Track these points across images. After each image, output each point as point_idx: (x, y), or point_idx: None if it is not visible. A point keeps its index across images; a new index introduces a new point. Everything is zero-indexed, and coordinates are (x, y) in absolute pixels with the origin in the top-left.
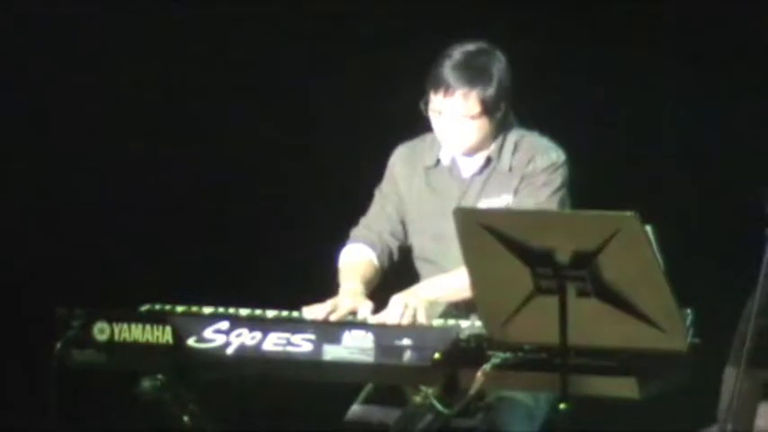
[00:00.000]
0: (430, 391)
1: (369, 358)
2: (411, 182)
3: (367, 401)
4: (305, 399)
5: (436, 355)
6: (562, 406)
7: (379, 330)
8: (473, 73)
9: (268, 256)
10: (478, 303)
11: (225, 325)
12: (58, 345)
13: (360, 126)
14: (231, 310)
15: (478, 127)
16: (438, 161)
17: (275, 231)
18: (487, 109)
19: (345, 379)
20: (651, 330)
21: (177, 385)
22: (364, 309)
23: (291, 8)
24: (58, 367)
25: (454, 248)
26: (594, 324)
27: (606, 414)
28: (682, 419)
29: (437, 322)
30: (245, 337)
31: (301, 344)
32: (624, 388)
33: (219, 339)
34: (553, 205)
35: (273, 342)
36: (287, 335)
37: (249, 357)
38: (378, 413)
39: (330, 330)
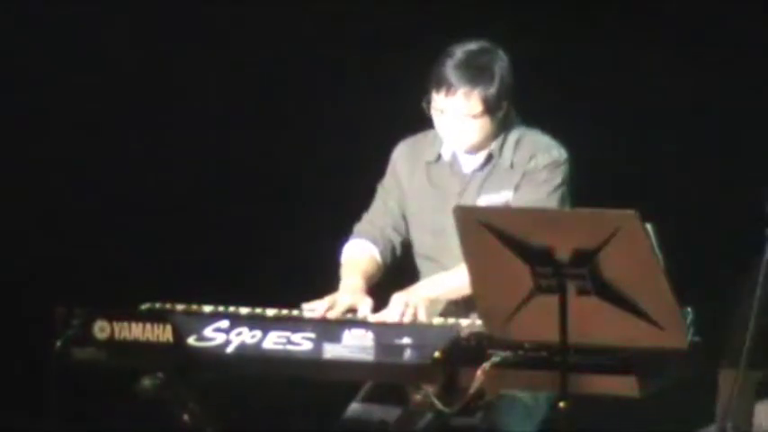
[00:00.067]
0: (430, 389)
1: (369, 357)
2: (412, 177)
3: (366, 400)
4: (305, 397)
5: (436, 354)
6: (562, 404)
7: (379, 329)
8: (475, 72)
9: (268, 255)
10: (478, 302)
11: (225, 323)
12: (58, 343)
13: (359, 126)
14: (231, 309)
15: (480, 126)
16: (439, 156)
17: (275, 231)
18: (489, 108)
19: (345, 377)
20: (651, 329)
21: (177, 384)
22: (363, 306)
23: (291, 8)
24: (58, 365)
25: (454, 244)
26: (595, 322)
27: (605, 413)
28: (681, 419)
29: (437, 321)
30: (245, 336)
31: (301, 342)
32: (624, 386)
33: (219, 338)
34: (553, 203)
35: (273, 341)
36: (287, 333)
37: (249, 356)
38: (377, 411)
39: (330, 329)
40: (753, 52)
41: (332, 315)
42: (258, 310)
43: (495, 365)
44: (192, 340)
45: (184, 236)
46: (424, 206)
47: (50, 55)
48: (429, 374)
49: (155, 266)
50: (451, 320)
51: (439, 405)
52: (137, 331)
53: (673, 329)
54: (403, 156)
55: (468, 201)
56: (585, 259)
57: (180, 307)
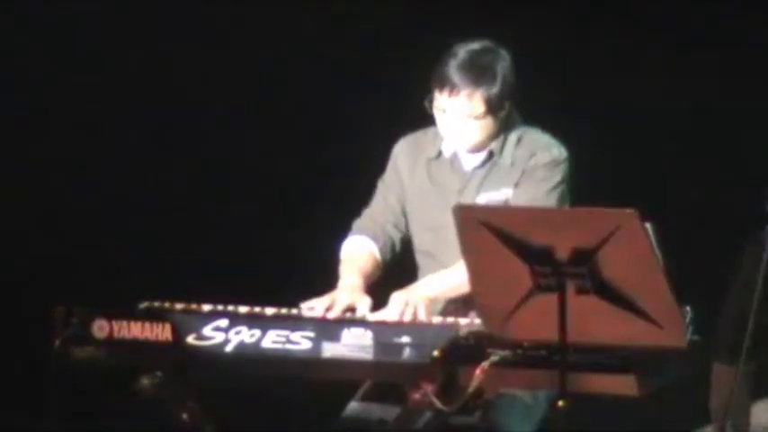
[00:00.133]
0: (429, 388)
1: (368, 356)
2: (413, 173)
3: (365, 398)
4: (304, 396)
5: (435, 353)
6: (561, 403)
7: (378, 328)
8: (478, 72)
9: (268, 255)
10: (477, 300)
11: (224, 322)
12: (57, 342)
13: (359, 126)
14: (230, 308)
15: (482, 126)
16: (440, 153)
17: (275, 231)
18: (492, 108)
19: (344, 376)
20: (650, 327)
21: (176, 382)
22: (362, 304)
23: (291, 8)
24: (57, 364)
25: (453, 241)
26: (594, 321)
27: (604, 413)
28: (680, 418)
29: (436, 319)
30: (244, 335)
31: (300, 341)
32: (623, 385)
33: (219, 337)
34: (552, 201)
35: (272, 339)
36: (286, 332)
37: (248, 355)
38: (376, 410)
39: (329, 328)
40: (753, 52)
41: (331, 314)
42: (257, 309)
43: (494, 364)
44: (191, 339)
45: (184, 236)
46: (424, 203)
47: (50, 55)
48: (428, 373)
49: (155, 266)
50: (450, 319)
51: (438, 404)
52: (136, 330)
53: (672, 328)
54: (404, 152)
55: (467, 198)
56: (585, 258)
57: (179, 306)
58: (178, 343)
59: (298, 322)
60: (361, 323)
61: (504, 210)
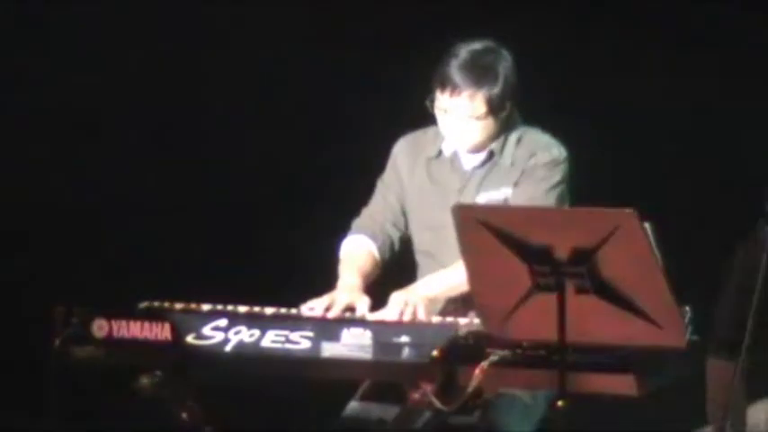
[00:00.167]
0: (428, 388)
1: (367, 355)
2: (412, 173)
3: (365, 398)
4: (303, 396)
5: (434, 353)
6: (560, 403)
7: (378, 327)
8: (480, 73)
9: (267, 254)
10: (477, 300)
11: (223, 322)
12: (57, 342)
13: (359, 126)
14: (230, 308)
15: (483, 126)
16: (440, 152)
17: (275, 231)
18: (493, 109)
19: (344, 376)
20: (650, 327)
21: (176, 382)
22: (361, 304)
23: (291, 8)
24: (57, 364)
25: (453, 241)
26: (593, 321)
27: (604, 413)
28: (680, 418)
29: (435, 319)
30: (243, 335)
31: (300, 341)
32: (622, 385)
33: (218, 336)
34: (551, 200)
35: (272, 339)
36: (285, 332)
37: (248, 354)
38: (376, 410)
39: (328, 327)
40: (753, 52)
41: (330, 314)
42: (257, 309)
43: (494, 364)
44: (190, 339)
45: (184, 236)
46: (424, 202)
47: (50, 55)
48: (427, 373)
49: (154, 266)
50: (450, 319)
51: (437, 404)
52: (135, 330)
53: (671, 328)
54: (403, 151)
55: (467, 198)
56: (584, 258)
57: (178, 305)
58: (177, 342)
59: (297, 322)
60: (361, 323)
61: (503, 209)
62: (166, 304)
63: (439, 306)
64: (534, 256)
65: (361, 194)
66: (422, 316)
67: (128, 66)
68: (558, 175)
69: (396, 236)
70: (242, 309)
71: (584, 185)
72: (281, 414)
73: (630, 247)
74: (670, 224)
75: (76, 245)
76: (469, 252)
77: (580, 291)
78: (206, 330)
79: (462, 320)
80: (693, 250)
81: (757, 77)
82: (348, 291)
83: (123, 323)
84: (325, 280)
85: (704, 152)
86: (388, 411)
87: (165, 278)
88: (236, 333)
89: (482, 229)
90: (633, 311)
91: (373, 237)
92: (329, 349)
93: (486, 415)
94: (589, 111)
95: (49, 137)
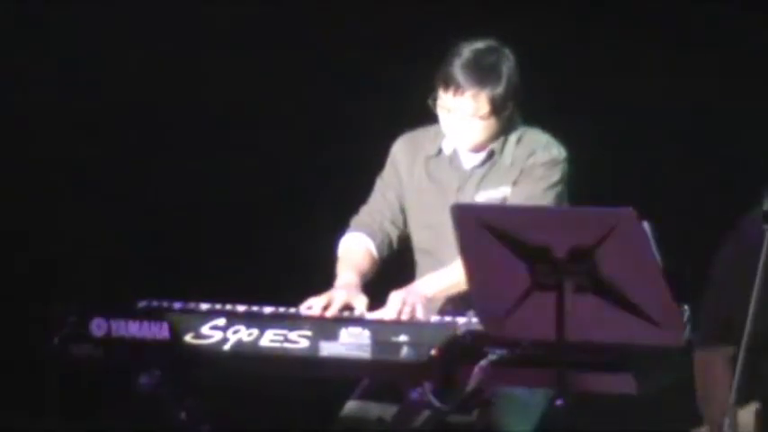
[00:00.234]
0: (427, 387)
1: (365, 354)
2: (411, 171)
3: (363, 397)
4: (302, 395)
5: (433, 352)
6: (559, 402)
7: (376, 327)
8: (483, 72)
9: (267, 253)
10: (476, 299)
11: (222, 321)
12: (56, 340)
13: (359, 126)
14: (228, 307)
15: (486, 126)
16: (440, 151)
17: (275, 231)
18: (496, 108)
19: (342, 375)
20: (648, 326)
21: (174, 381)
22: (358, 303)
23: (291, 8)
24: (55, 362)
25: (452, 239)
26: (592, 320)
27: (604, 412)
28: (679, 418)
29: (434, 318)
30: (242, 334)
31: (298, 340)
32: (621, 384)
33: (217, 336)
34: (549, 199)
35: (270, 338)
36: (284, 331)
37: (246, 353)
38: (374, 409)
39: (327, 327)
40: (753, 52)
41: (328, 313)
42: (255, 308)
43: (493, 363)
44: (188, 338)
45: (184, 235)
46: (423, 201)
47: (50, 55)
48: (426, 372)
49: (153, 265)
50: (448, 318)
51: (436, 403)
52: (133, 329)
53: (670, 327)
54: (403, 150)
55: (466, 197)
56: (583, 257)
57: (177, 305)
58: (176, 342)
59: (295, 321)
60: (359, 322)
61: (501, 208)
62: (165, 303)
63: (437, 305)
64: (533, 255)
65: (361, 194)
66: (420, 315)
67: (128, 66)
68: (556, 174)
69: (394, 234)
70: (240, 308)
71: (584, 185)
72: (279, 413)
73: (629, 246)
74: (670, 224)
75: (76, 245)
76: (468, 251)
77: (579, 289)
78: (204, 330)
79: (461, 319)
80: (693, 250)
81: (757, 77)
82: (346, 289)
83: (122, 322)
84: (324, 280)
85: (704, 152)
86: (387, 411)
87: (164, 277)
88: (235, 332)
89: (481, 229)
90: (632, 310)
91: (371, 234)
92: (328, 348)
93: (485, 414)
94: (589, 111)
95: (49, 137)
